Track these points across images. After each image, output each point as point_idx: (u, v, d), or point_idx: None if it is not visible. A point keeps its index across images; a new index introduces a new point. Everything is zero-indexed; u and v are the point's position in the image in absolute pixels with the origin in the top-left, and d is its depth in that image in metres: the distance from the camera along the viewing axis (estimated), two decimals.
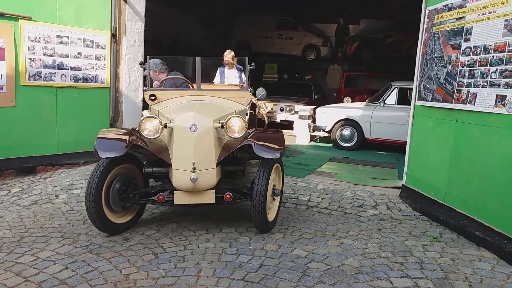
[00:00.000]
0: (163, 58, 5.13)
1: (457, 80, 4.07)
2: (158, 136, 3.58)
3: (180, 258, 3.18)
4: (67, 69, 5.73)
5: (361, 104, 9.16)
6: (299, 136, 9.49)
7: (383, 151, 8.67)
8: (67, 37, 5.67)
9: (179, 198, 3.55)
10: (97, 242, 3.49)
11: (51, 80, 5.58)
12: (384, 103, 8.41)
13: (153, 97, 4.41)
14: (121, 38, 6.42)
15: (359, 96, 12.31)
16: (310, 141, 9.63)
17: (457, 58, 4.11)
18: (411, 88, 8.09)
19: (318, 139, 10.12)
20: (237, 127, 3.66)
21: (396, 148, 8.31)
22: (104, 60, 6.13)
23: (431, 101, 4.49)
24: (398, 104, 8.30)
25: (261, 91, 5.51)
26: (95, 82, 6.07)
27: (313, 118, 9.47)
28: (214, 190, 3.58)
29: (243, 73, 6.95)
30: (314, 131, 9.26)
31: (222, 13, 17.01)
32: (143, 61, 4.80)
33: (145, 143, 3.59)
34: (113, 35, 6.27)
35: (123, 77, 6.54)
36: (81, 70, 5.88)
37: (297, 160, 7.19)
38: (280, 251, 3.34)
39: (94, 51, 5.99)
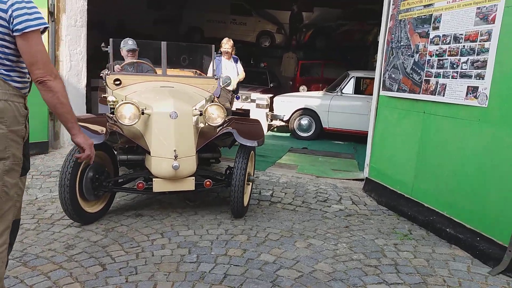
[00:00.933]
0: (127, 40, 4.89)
1: (425, 70, 3.91)
2: (135, 123, 3.49)
3: (131, 270, 2.78)
4: None
5: (319, 94, 9.00)
6: None
7: (340, 140, 8.58)
8: None
9: (159, 186, 3.51)
10: (33, 252, 3.00)
11: None
12: (342, 92, 8.30)
13: (117, 82, 4.23)
14: (60, 17, 5.77)
15: (315, 85, 12.20)
16: (268, 131, 9.36)
17: (425, 47, 3.94)
18: (368, 78, 8.16)
19: (276, 129, 9.89)
20: (217, 115, 3.73)
21: (353, 137, 8.26)
22: None
23: (397, 91, 4.33)
24: (355, 93, 8.22)
25: (226, 79, 5.32)
26: None
27: (270, 107, 9.21)
28: (193, 177, 3.58)
29: (239, 63, 6.65)
30: (272, 120, 9.01)
31: None
32: (105, 43, 4.53)
33: (122, 130, 3.52)
34: (51, 13, 5.62)
35: (63, 61, 5.90)
36: None
37: (256, 151, 6.88)
38: (245, 256, 3.02)
39: None
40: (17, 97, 1.88)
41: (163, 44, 4.41)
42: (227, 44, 6.56)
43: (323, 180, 5.28)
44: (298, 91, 11.65)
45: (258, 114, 9.14)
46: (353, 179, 5.37)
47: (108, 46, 4.49)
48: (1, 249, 1.86)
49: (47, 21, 3.94)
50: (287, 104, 8.64)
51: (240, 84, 10.76)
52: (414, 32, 4.11)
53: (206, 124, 3.77)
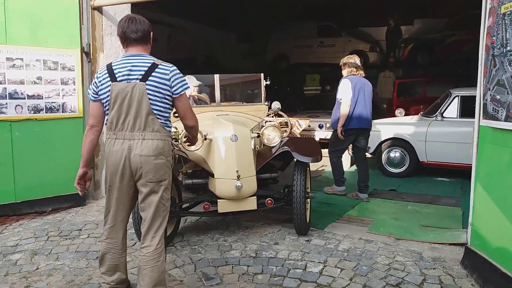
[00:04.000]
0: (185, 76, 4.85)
1: None
2: (199, 148, 3.67)
3: None
4: (24, 98, 4.67)
5: (413, 119, 7.33)
6: None
7: (445, 177, 6.77)
8: (21, 59, 4.62)
9: (223, 206, 3.72)
10: None
11: (1, 113, 4.54)
12: (442, 116, 6.56)
13: (177, 114, 4.03)
14: (96, 57, 5.29)
15: (415, 106, 10.34)
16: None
17: None
18: None
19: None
20: (274, 135, 4.01)
21: (461, 173, 6.39)
22: (74, 84, 5.01)
23: (506, 120, 2.78)
24: (461, 116, 6.42)
25: (275, 105, 4.99)
26: (62, 112, 4.96)
27: None
28: (255, 197, 3.76)
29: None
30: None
31: (259, 26, 15.86)
32: None
33: (187, 156, 3.79)
34: (86, 53, 5.17)
35: None
36: (42, 99, 4.79)
37: (325, 196, 5.57)
38: None
39: (59, 74, 4.89)
40: (169, 137, 2.62)
41: (216, 77, 4.78)
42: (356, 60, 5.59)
43: (404, 245, 3.80)
44: (394, 115, 9.99)
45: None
46: (450, 243, 3.78)
47: None
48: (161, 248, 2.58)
49: (80, 63, 4.65)
50: (373, 133, 7.11)
51: (326, 111, 9.61)
52: None
53: (263, 145, 4.10)
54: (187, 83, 2.57)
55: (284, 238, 4.00)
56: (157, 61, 2.53)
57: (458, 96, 6.50)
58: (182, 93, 2.54)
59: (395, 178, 6.76)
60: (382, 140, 7.01)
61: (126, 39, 2.54)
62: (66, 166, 5.02)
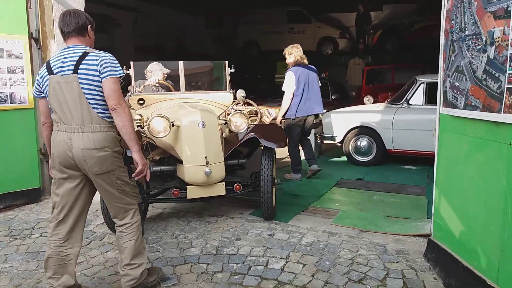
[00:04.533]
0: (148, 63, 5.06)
1: (507, 72, 2.27)
2: (167, 135, 3.70)
3: None
4: None
5: (379, 107, 7.30)
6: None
7: (411, 165, 6.79)
8: None
9: (192, 192, 3.76)
10: None
11: None
12: (408, 103, 6.55)
13: (141, 101, 4.48)
14: (47, 43, 4.97)
15: (384, 93, 10.37)
16: (320, 155, 7.85)
17: (504, 34, 2.30)
18: None
19: (332, 151, 8.33)
20: (241, 122, 4.04)
21: (428, 161, 6.42)
22: (23, 73, 4.69)
23: (464, 108, 2.70)
24: (427, 104, 6.41)
25: (240, 93, 5.06)
26: (10, 103, 4.64)
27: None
28: (223, 183, 3.82)
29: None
30: (322, 142, 7.49)
31: (228, 10, 15.54)
32: (126, 67, 4.56)
33: (155, 142, 3.93)
34: (35, 40, 4.83)
35: None
36: None
37: (292, 187, 5.48)
38: None
39: (4, 62, 4.56)
40: (111, 128, 2.56)
41: (180, 64, 4.73)
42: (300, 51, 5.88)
43: (368, 237, 3.74)
44: (363, 102, 9.98)
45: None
46: (414, 235, 3.74)
47: (129, 69, 4.62)
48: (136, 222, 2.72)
49: (29, 49, 4.46)
50: (339, 122, 7.07)
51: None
52: (484, 12, 2.48)
53: (230, 132, 4.15)
54: (119, 70, 2.52)
55: (247, 233, 3.88)
56: (89, 50, 2.53)
57: (423, 83, 6.49)
58: (108, 77, 2.47)
59: (362, 166, 6.74)
60: (350, 128, 6.96)
61: (62, 34, 2.59)
62: (17, 160, 4.74)
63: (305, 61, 5.81)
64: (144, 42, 13.91)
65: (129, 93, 4.71)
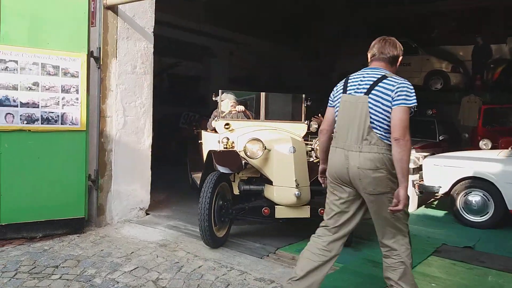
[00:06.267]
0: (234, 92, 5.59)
1: None
2: (260, 157, 4.06)
3: None
4: (16, 106, 4.06)
5: (501, 154, 5.76)
6: None
7: None
8: (15, 61, 4.03)
9: (281, 212, 3.99)
10: None
11: None
12: None
13: (227, 126, 4.83)
14: (108, 63, 4.61)
15: (505, 138, 8.53)
16: (419, 207, 6.45)
17: None
18: None
19: (435, 203, 6.85)
20: None
21: None
22: (77, 93, 4.32)
23: None
24: None
25: (313, 124, 5.29)
26: (61, 124, 4.28)
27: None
28: (309, 206, 4.05)
29: None
30: (421, 193, 6.12)
31: (327, 43, 14.80)
32: (214, 94, 5.31)
33: (248, 163, 4.15)
34: (95, 59, 4.50)
35: (112, 116, 4.68)
36: (38, 107, 4.15)
37: (372, 252, 4.26)
38: None
39: (59, 80, 4.24)
40: (388, 150, 2.54)
41: (262, 95, 5.19)
42: None
43: None
44: (478, 147, 8.27)
45: None
46: None
47: (218, 96, 5.19)
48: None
49: (86, 68, 4.33)
50: (444, 170, 5.66)
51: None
52: None
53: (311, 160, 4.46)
54: (412, 100, 2.49)
55: None
56: (389, 74, 2.58)
57: None
58: (400, 105, 2.47)
59: (474, 229, 5.24)
60: (459, 178, 5.53)
61: (372, 56, 2.73)
62: (63, 186, 4.34)
63: None
64: (239, 72, 13.78)
65: (216, 118, 5.13)
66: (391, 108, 2.47)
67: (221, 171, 3.96)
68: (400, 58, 2.70)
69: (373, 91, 2.51)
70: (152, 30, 4.96)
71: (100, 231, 4.53)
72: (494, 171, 5.27)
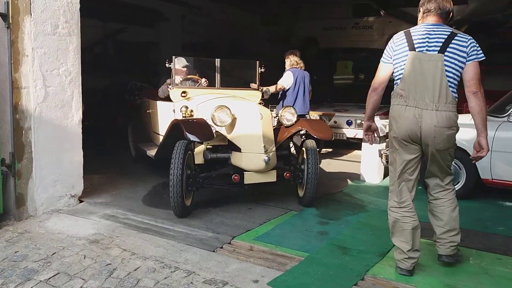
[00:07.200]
0: (188, 59, 5.35)
1: None
2: (226, 125, 4.09)
3: None
4: None
5: (471, 119, 5.37)
6: (365, 168, 5.99)
7: None
8: None
9: (249, 178, 4.08)
10: None
11: None
12: None
13: (184, 94, 4.83)
14: (20, 21, 3.74)
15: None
16: (384, 178, 6.06)
17: None
18: None
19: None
20: (292, 116, 4.53)
21: None
22: None
23: None
24: None
25: (266, 91, 5.50)
26: None
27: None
28: (275, 170, 4.21)
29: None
30: (388, 161, 5.67)
31: (287, 5, 14.03)
32: (168, 61, 4.99)
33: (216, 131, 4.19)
34: (2, 16, 3.63)
35: (29, 87, 3.85)
36: None
37: (340, 235, 3.78)
38: None
39: None
40: (456, 108, 2.73)
41: (217, 61, 5.07)
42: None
43: None
44: None
45: (369, 150, 5.94)
46: None
47: (171, 63, 4.98)
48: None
49: None
50: None
51: (358, 105, 7.77)
52: None
53: (284, 123, 4.58)
54: (481, 54, 2.67)
55: None
56: (455, 31, 2.68)
57: None
58: (474, 60, 2.65)
59: None
60: None
61: (426, 10, 2.80)
62: None
63: (302, 65, 6.29)
64: (193, 38, 12.84)
65: (170, 86, 4.98)
66: (464, 64, 2.63)
67: (192, 139, 3.86)
68: (452, 13, 2.78)
69: (448, 49, 2.61)
70: None
71: (20, 225, 3.77)
72: (466, 137, 4.86)
